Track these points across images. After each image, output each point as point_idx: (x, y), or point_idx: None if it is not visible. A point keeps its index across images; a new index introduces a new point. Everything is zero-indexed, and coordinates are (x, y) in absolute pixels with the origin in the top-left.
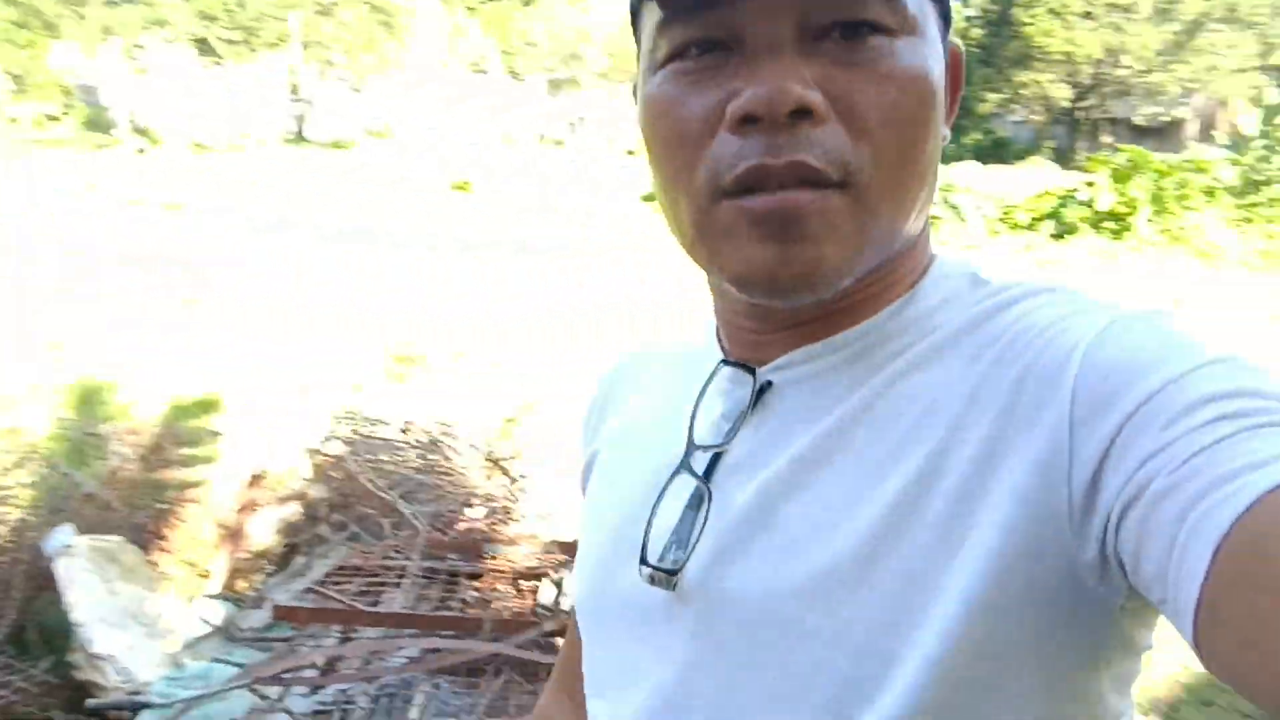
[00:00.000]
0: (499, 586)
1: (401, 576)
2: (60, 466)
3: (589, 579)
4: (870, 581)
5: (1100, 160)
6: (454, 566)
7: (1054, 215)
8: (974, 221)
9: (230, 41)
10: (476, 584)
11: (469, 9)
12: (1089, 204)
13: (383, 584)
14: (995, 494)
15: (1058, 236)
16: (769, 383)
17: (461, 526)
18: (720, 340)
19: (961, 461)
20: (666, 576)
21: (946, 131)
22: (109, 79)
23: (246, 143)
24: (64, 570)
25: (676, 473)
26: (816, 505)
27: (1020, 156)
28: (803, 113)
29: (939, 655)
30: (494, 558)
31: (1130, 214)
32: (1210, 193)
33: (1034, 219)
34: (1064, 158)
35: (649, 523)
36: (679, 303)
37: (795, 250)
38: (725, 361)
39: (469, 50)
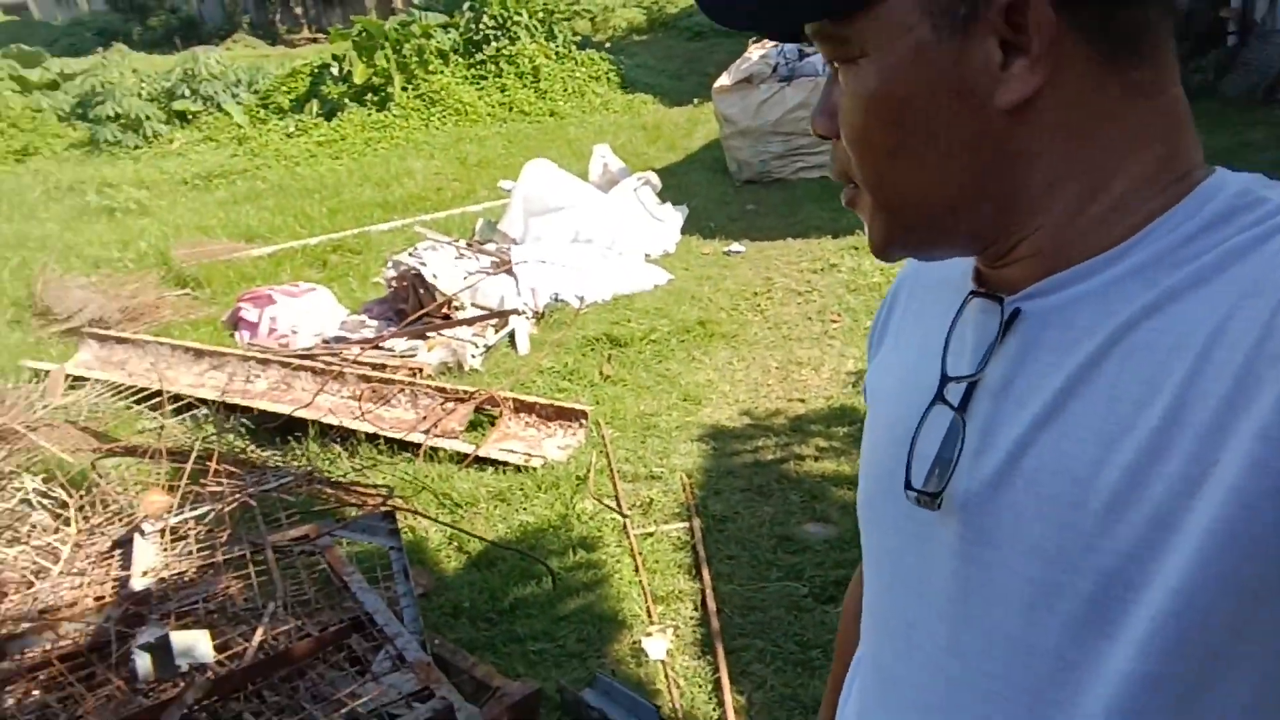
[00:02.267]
0: (49, 689)
1: None
2: None
3: (865, 497)
4: (1120, 513)
5: (340, 34)
6: None
7: (314, 95)
8: (235, 111)
9: None
10: (20, 698)
11: None
12: (346, 79)
13: None
14: (1243, 432)
15: (328, 116)
16: (1018, 310)
17: None
18: (976, 266)
19: (1210, 397)
20: (930, 499)
21: (1010, 93)
22: None
23: None
24: None
25: (933, 403)
26: (1069, 439)
27: (221, 36)
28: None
29: (1183, 585)
30: (25, 656)
31: (387, 84)
32: (443, 55)
33: (296, 99)
34: (268, 34)
35: (910, 450)
36: None
37: (867, 229)
38: (974, 292)
39: None
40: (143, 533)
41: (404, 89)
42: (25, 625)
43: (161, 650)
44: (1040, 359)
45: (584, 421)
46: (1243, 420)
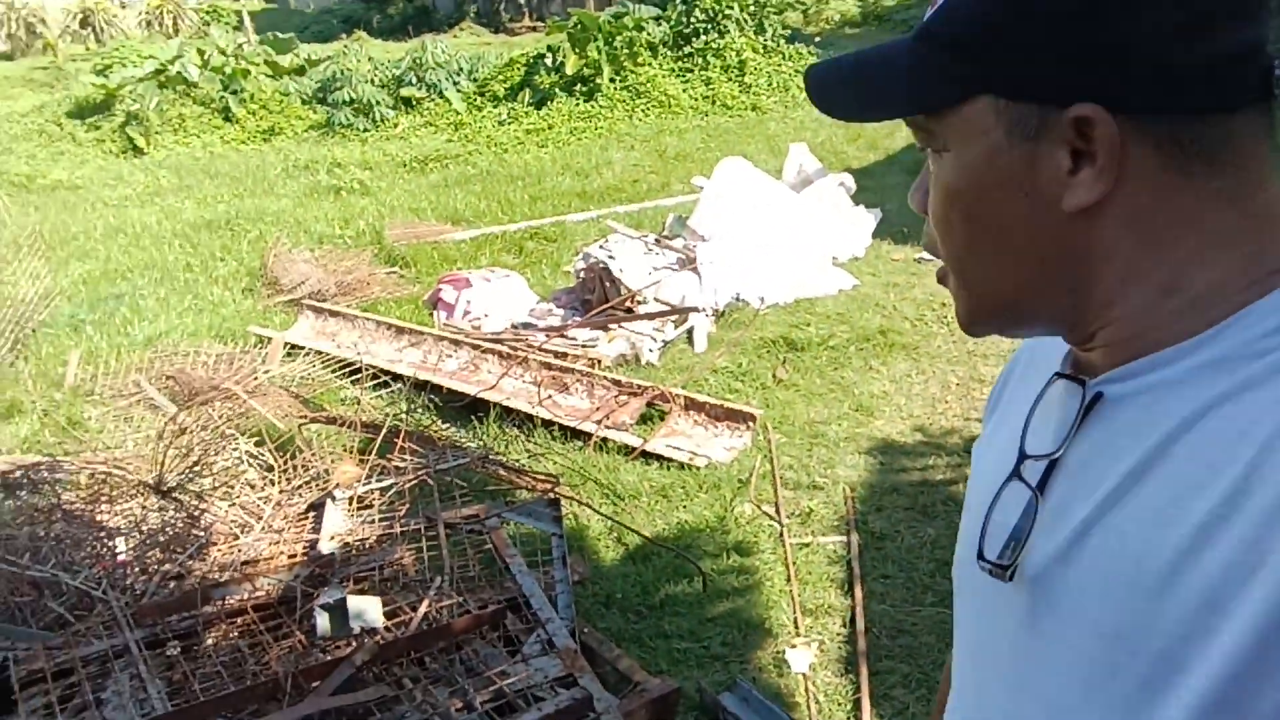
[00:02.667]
0: (252, 636)
1: (120, 655)
2: None
3: (956, 561)
4: (1172, 594)
5: (557, 25)
6: (177, 628)
7: (527, 84)
8: (454, 99)
9: None
10: (218, 640)
11: None
12: (558, 69)
13: (99, 678)
14: None
15: (538, 105)
16: (1100, 394)
17: (157, 576)
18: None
19: (1271, 485)
20: (1002, 570)
21: (1076, 198)
22: None
23: None
24: None
25: (1009, 479)
26: (1131, 520)
27: (450, 24)
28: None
29: (1228, 671)
30: (225, 603)
31: (596, 75)
32: (651, 48)
33: (510, 88)
34: (492, 22)
35: (985, 522)
36: None
37: (953, 304)
38: (1058, 374)
39: None
40: (334, 499)
41: (611, 80)
42: (228, 575)
43: (339, 611)
44: (1114, 442)
45: (752, 424)
46: None
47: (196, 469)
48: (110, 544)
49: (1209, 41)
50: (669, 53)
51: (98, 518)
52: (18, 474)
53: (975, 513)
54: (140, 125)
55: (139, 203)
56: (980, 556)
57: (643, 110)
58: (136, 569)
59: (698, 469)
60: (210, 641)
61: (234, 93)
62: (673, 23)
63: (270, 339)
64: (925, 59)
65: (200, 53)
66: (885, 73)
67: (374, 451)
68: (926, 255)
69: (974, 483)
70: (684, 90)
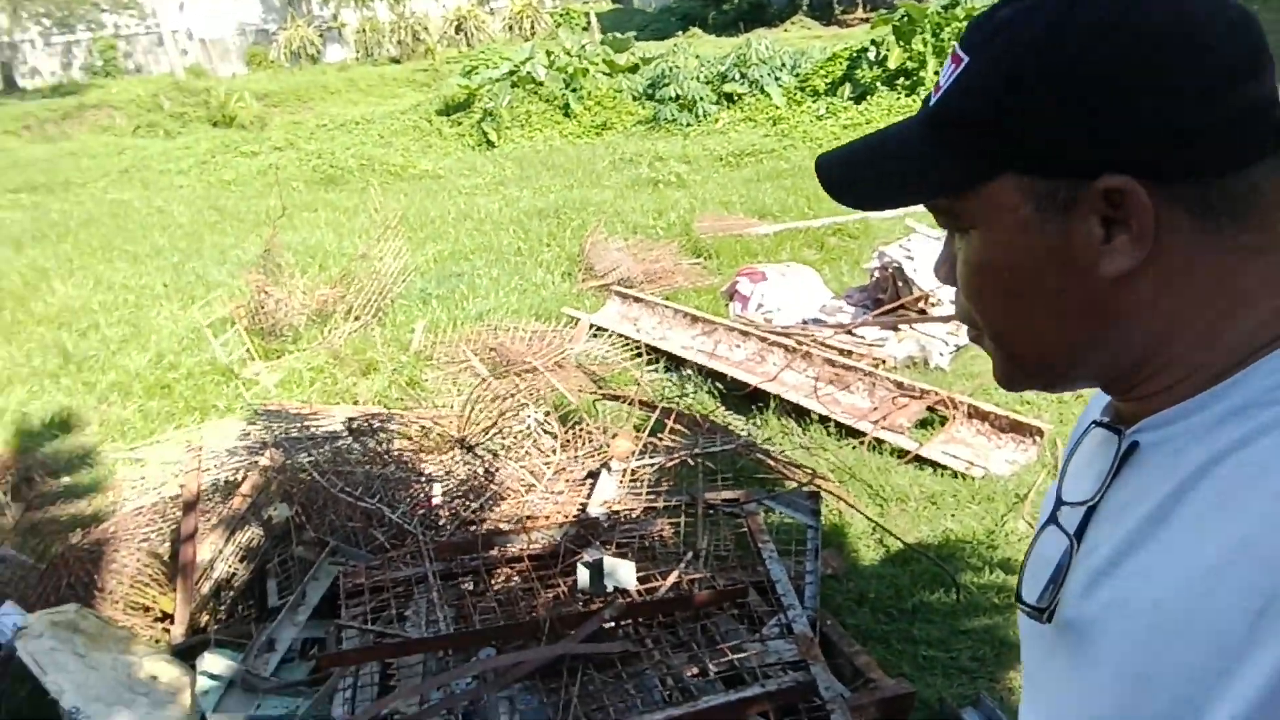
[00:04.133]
0: (519, 578)
1: (420, 582)
2: None
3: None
4: (1190, 636)
5: (884, 19)
6: (466, 566)
7: (848, 78)
8: (775, 94)
9: None
10: (502, 580)
11: None
12: (880, 63)
13: (403, 599)
14: None
15: (857, 99)
16: (1135, 443)
17: (456, 520)
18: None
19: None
20: (1039, 613)
21: (1112, 265)
22: None
23: None
24: (30, 655)
25: (1045, 524)
26: (1151, 564)
27: (782, 18)
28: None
29: (1242, 713)
30: (507, 549)
31: (919, 69)
32: None
33: (831, 82)
34: (824, 15)
35: (1024, 566)
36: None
37: (992, 364)
38: (1095, 423)
39: None
40: (609, 470)
41: (936, 73)
42: (510, 526)
43: (597, 569)
44: (1141, 489)
45: (1039, 439)
46: None
47: (496, 430)
48: (426, 488)
49: (1225, 103)
50: None
51: (419, 465)
52: (363, 421)
53: (1025, 561)
54: (493, 121)
55: (486, 191)
56: (1019, 599)
57: None
58: (443, 511)
59: (973, 479)
60: (491, 580)
61: (573, 90)
62: None
63: (577, 320)
64: (942, 142)
65: (548, 54)
66: (902, 158)
67: (649, 430)
68: None
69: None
70: None
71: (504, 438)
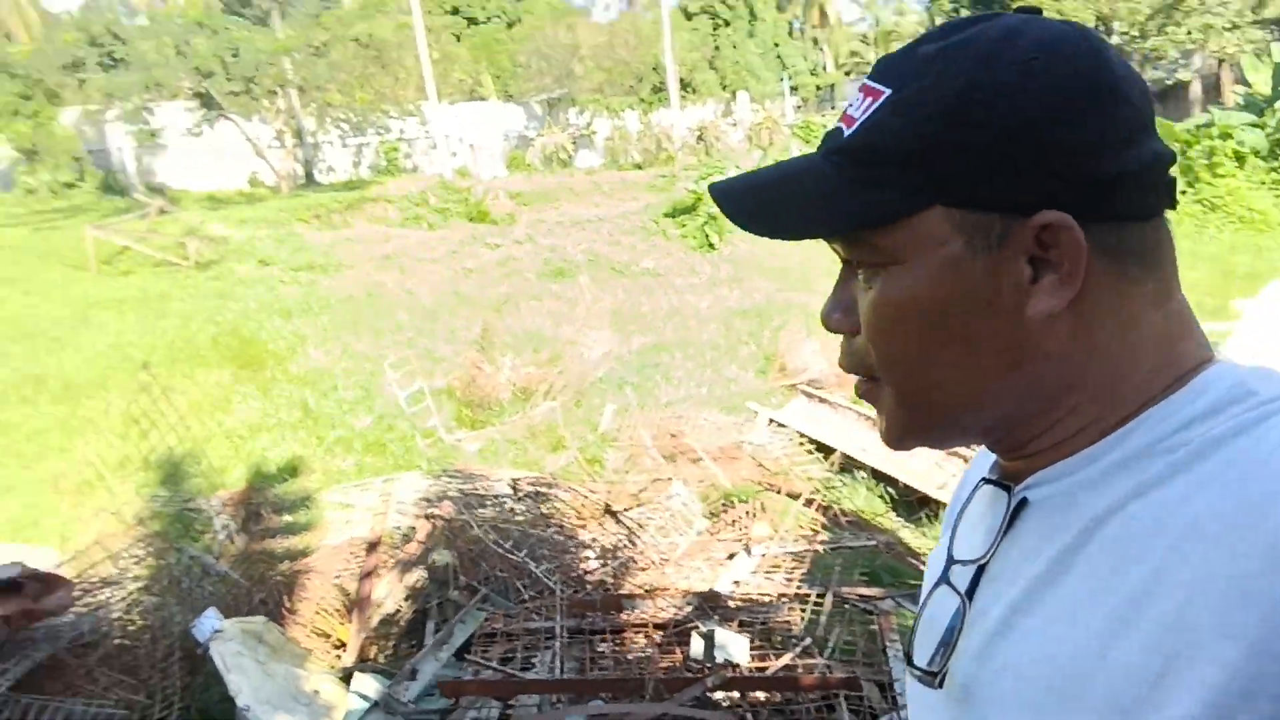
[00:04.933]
0: (640, 640)
1: (550, 638)
2: (187, 551)
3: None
4: (1086, 697)
5: None
6: (595, 625)
7: None
8: None
9: (232, 93)
10: (622, 640)
11: (455, 36)
12: None
13: (530, 648)
14: (1206, 628)
15: None
16: (1025, 499)
17: (592, 582)
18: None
19: (1177, 588)
20: (930, 677)
21: (1040, 305)
22: (117, 142)
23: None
24: (220, 655)
25: (937, 584)
26: (1043, 622)
27: None
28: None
29: None
30: (633, 614)
31: None
32: (1239, 158)
33: None
34: None
35: (914, 628)
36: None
37: (880, 420)
38: (985, 479)
39: (461, 76)
40: (748, 552)
41: (1183, 192)
42: (640, 592)
43: (709, 639)
44: (1033, 546)
45: None
46: (1204, 615)
47: (642, 503)
48: (571, 549)
49: (1139, 153)
50: (1261, 163)
51: (571, 529)
52: (526, 485)
53: (914, 623)
54: (715, 224)
55: (699, 290)
56: (909, 662)
57: (1216, 225)
58: (582, 572)
59: None
60: (613, 639)
61: None
62: (1271, 130)
63: (757, 413)
64: (865, 174)
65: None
66: (822, 190)
67: (793, 519)
68: None
69: (922, 590)
70: (1275, 204)
71: (651, 512)
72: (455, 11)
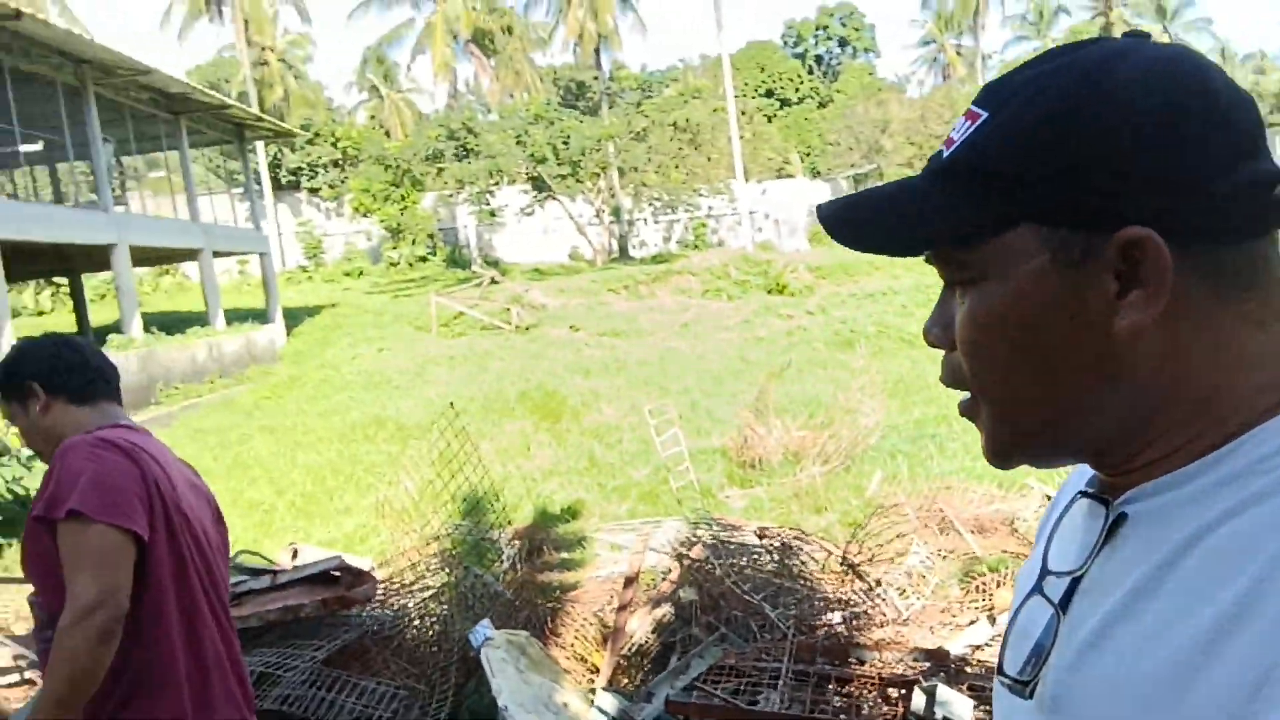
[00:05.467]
0: (866, 692)
1: (775, 678)
2: (474, 571)
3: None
4: (1179, 711)
5: None
6: (822, 670)
7: None
8: None
9: (560, 176)
10: (845, 689)
11: (767, 117)
12: None
13: (757, 685)
14: None
15: None
16: (1123, 514)
17: (824, 630)
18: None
19: (1274, 601)
20: (1021, 686)
21: (1126, 320)
22: (464, 221)
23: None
24: (489, 660)
25: (1029, 595)
26: (1136, 636)
27: None
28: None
29: None
30: (861, 663)
31: None
32: None
33: None
34: None
35: (1005, 638)
36: None
37: (982, 438)
38: (1082, 493)
39: (770, 155)
40: (991, 621)
41: None
42: (869, 642)
43: (931, 695)
44: (1130, 560)
45: None
46: None
47: (882, 562)
48: (810, 599)
49: (1236, 174)
50: None
51: (812, 580)
52: (779, 538)
53: (1005, 633)
54: None
55: None
56: (1000, 671)
57: None
58: (814, 620)
59: None
60: (838, 686)
61: None
62: None
63: (1032, 489)
64: (960, 192)
65: None
66: (918, 207)
67: None
68: None
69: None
70: None
71: (892, 571)
72: (769, 94)
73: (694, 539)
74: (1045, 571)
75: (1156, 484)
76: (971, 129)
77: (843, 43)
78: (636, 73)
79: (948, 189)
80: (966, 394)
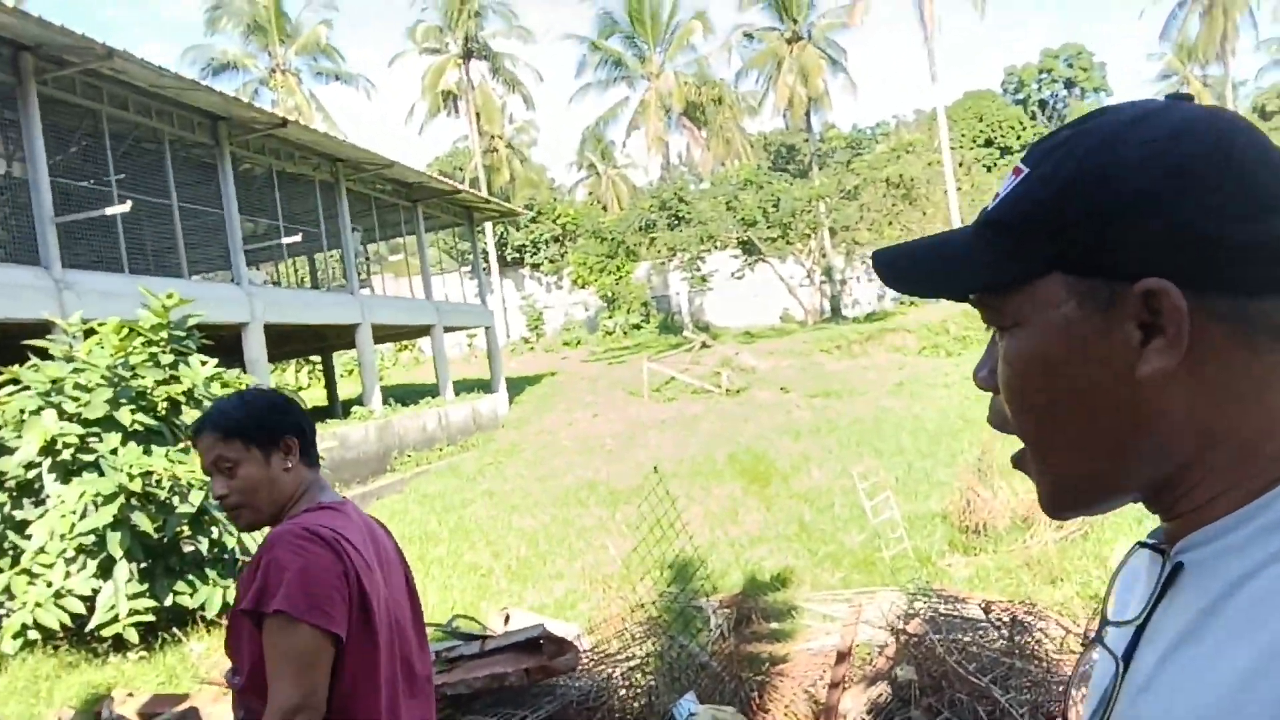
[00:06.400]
0: None
1: None
2: (679, 639)
3: None
4: None
5: None
6: None
7: None
8: None
9: (769, 239)
10: None
11: (986, 167)
12: None
13: None
14: None
15: None
16: (1180, 564)
17: (1058, 711)
18: None
19: None
20: None
21: (1149, 367)
22: (676, 288)
23: (788, 326)
24: None
25: (1090, 645)
26: (1180, 678)
27: None
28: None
29: None
30: None
31: None
32: None
33: None
34: None
35: (1066, 692)
36: None
37: (1036, 489)
38: (1140, 543)
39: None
40: None
41: None
42: None
43: None
44: (1180, 606)
45: None
46: None
47: None
48: (1048, 682)
49: (1259, 228)
50: None
51: (1047, 659)
52: (1009, 612)
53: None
54: None
55: None
56: None
57: None
58: (1049, 703)
59: None
60: None
61: None
62: None
63: None
64: (996, 242)
65: None
66: (958, 255)
67: None
68: None
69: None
70: None
71: None
72: (989, 143)
73: (912, 612)
74: (1105, 622)
75: (1205, 532)
76: (1014, 183)
77: (1069, 84)
78: (847, 132)
79: (988, 239)
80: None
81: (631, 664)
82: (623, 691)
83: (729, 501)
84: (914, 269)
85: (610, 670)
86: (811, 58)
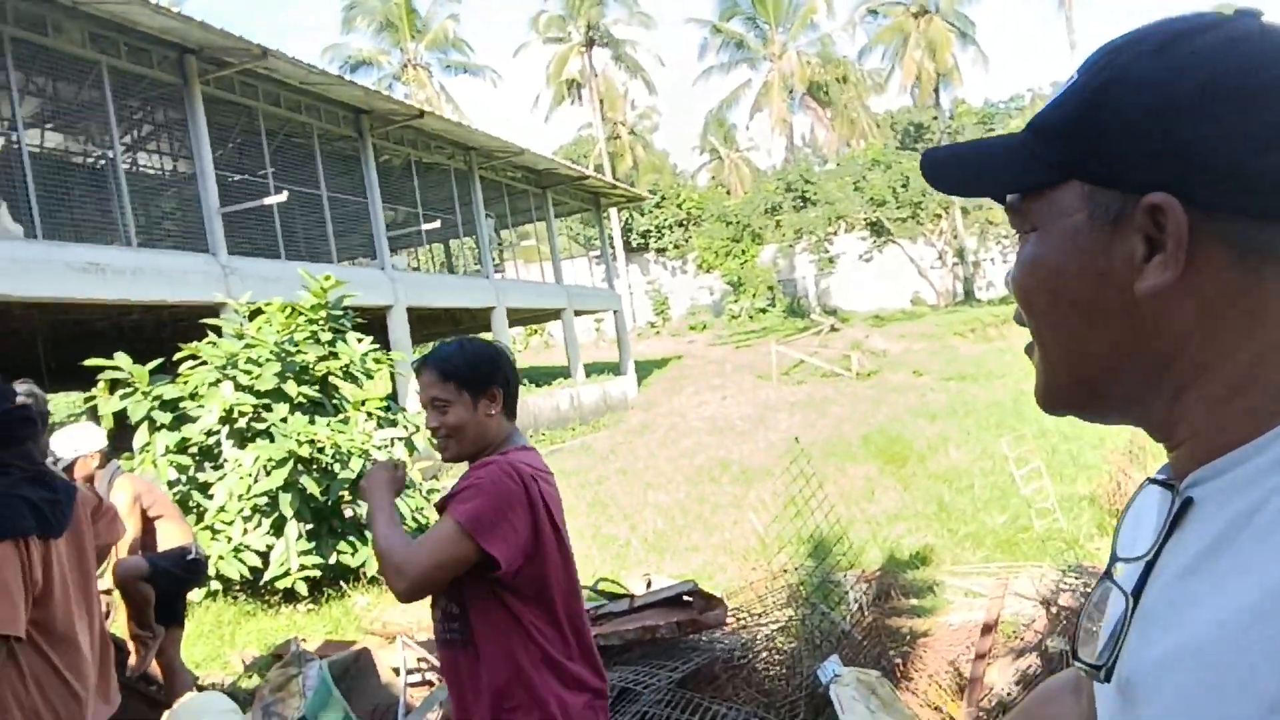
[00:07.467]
0: None
1: None
2: (820, 607)
3: None
4: (1229, 686)
5: None
6: None
7: None
8: None
9: (899, 220)
10: None
11: None
12: None
13: None
14: None
15: None
16: (1190, 499)
17: None
18: None
19: None
20: (1095, 671)
21: (1146, 283)
22: (802, 271)
23: (918, 309)
24: (838, 698)
25: (1101, 580)
26: (1188, 612)
27: None
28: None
29: None
30: None
31: None
32: None
33: None
34: None
35: (1078, 624)
36: None
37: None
38: (1150, 480)
39: None
40: None
41: None
42: None
43: None
44: (1188, 541)
45: None
46: None
47: None
48: None
49: (1277, 155)
50: None
51: None
52: None
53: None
54: None
55: None
56: (1075, 657)
57: None
58: None
59: None
60: None
61: None
62: None
63: None
64: (1028, 146)
65: None
66: (994, 156)
67: None
68: None
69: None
70: None
71: None
72: None
73: (1063, 586)
74: (1114, 558)
75: (1212, 467)
76: (1062, 90)
77: None
78: (978, 107)
79: (1028, 143)
80: None
81: (774, 626)
82: (765, 653)
83: (865, 481)
84: (958, 168)
85: (754, 632)
86: (939, 31)
